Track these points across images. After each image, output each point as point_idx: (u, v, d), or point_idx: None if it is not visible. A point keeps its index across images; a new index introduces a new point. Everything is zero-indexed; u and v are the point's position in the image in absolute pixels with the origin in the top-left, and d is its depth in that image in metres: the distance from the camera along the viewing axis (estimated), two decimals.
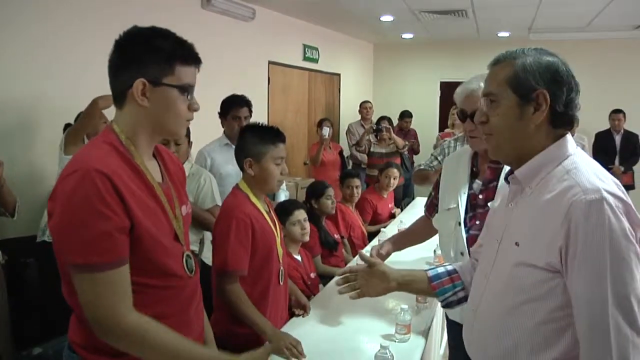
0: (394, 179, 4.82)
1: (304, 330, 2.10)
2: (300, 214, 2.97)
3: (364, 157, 6.42)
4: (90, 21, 3.73)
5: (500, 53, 1.31)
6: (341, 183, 4.52)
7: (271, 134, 2.17)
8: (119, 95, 1.33)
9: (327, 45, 7.19)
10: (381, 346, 1.78)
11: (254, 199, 2.17)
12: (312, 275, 3.18)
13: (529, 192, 1.26)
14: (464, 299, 1.55)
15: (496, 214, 1.44)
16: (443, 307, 1.62)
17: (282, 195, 3.71)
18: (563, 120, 1.24)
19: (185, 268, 1.41)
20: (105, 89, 3.14)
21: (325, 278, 3.27)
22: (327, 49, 7.18)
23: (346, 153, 6.64)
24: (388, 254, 2.30)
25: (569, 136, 1.27)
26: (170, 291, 1.35)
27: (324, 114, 7.11)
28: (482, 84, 1.40)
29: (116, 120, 1.35)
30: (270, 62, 5.99)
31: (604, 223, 1.09)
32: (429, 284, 1.58)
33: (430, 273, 1.59)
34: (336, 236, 3.94)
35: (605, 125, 6.78)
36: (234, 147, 3.45)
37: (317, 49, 6.96)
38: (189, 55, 1.33)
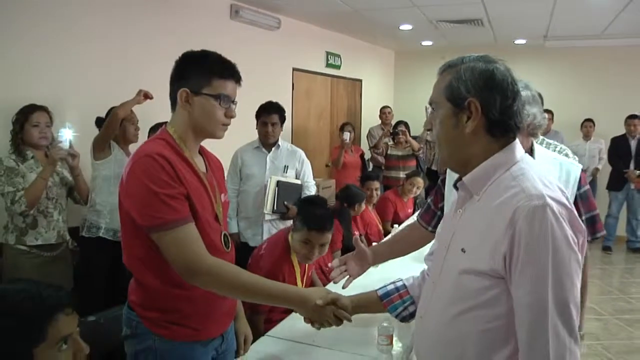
0: (418, 188, 5.11)
1: None
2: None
3: (383, 159, 6.68)
4: (126, 30, 4.08)
5: (446, 61, 1.32)
6: (361, 184, 4.80)
7: (310, 219, 2.51)
8: (172, 102, 1.66)
9: (349, 52, 7.44)
10: (384, 322, 1.96)
11: (293, 256, 2.60)
12: (330, 265, 3.47)
13: (477, 199, 1.25)
14: (416, 311, 1.59)
15: (446, 219, 1.44)
16: (400, 321, 1.69)
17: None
18: (501, 127, 1.22)
19: (223, 244, 1.70)
20: (122, 92, 3.44)
21: None
22: (349, 55, 7.42)
23: (367, 156, 6.90)
24: (363, 269, 2.16)
25: (516, 142, 1.26)
26: None
27: (346, 118, 7.36)
28: None
29: (171, 122, 1.68)
30: (294, 69, 6.28)
31: (547, 230, 1.08)
32: (380, 301, 1.67)
33: (380, 292, 1.68)
34: (356, 233, 4.22)
35: (621, 130, 6.90)
36: (264, 150, 3.70)
37: (339, 56, 7.22)
38: (225, 71, 1.63)
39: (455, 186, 1.33)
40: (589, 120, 7.21)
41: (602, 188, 7.15)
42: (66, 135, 2.93)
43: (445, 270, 1.29)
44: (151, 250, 1.55)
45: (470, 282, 1.19)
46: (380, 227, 4.67)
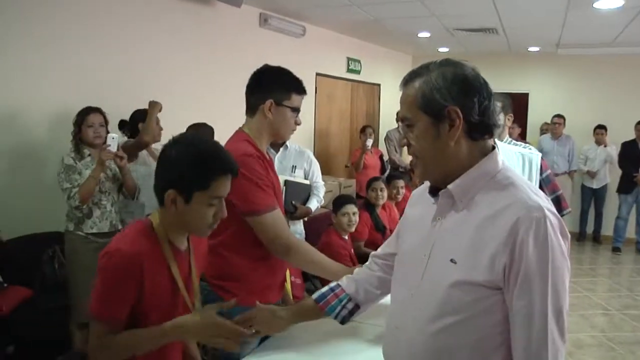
0: None
1: None
2: (350, 208, 3.65)
3: (402, 161, 6.87)
4: (166, 38, 4.42)
5: (408, 72, 1.25)
6: (388, 183, 5.07)
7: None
8: (252, 107, 1.97)
9: (369, 58, 7.71)
10: None
11: None
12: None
13: (461, 207, 1.21)
14: (357, 307, 1.63)
15: (417, 225, 1.36)
16: (340, 323, 1.64)
17: (315, 201, 3.86)
18: (481, 130, 1.20)
19: None
20: (162, 97, 3.72)
21: (364, 259, 3.88)
22: (368, 61, 7.69)
23: (385, 157, 7.18)
24: None
25: (496, 151, 1.24)
26: None
27: (365, 121, 7.62)
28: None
29: (247, 125, 1.99)
30: (317, 74, 6.56)
31: (547, 241, 1.09)
32: (316, 305, 1.64)
33: (315, 296, 1.66)
34: None
35: (631, 135, 7.11)
36: (272, 150, 3.78)
37: (359, 62, 7.49)
38: (300, 88, 1.98)
39: (431, 194, 1.29)
40: (602, 127, 7.39)
41: (613, 191, 7.40)
42: (114, 139, 3.22)
43: (428, 280, 1.24)
44: (239, 229, 1.88)
45: (465, 293, 1.15)
46: None
